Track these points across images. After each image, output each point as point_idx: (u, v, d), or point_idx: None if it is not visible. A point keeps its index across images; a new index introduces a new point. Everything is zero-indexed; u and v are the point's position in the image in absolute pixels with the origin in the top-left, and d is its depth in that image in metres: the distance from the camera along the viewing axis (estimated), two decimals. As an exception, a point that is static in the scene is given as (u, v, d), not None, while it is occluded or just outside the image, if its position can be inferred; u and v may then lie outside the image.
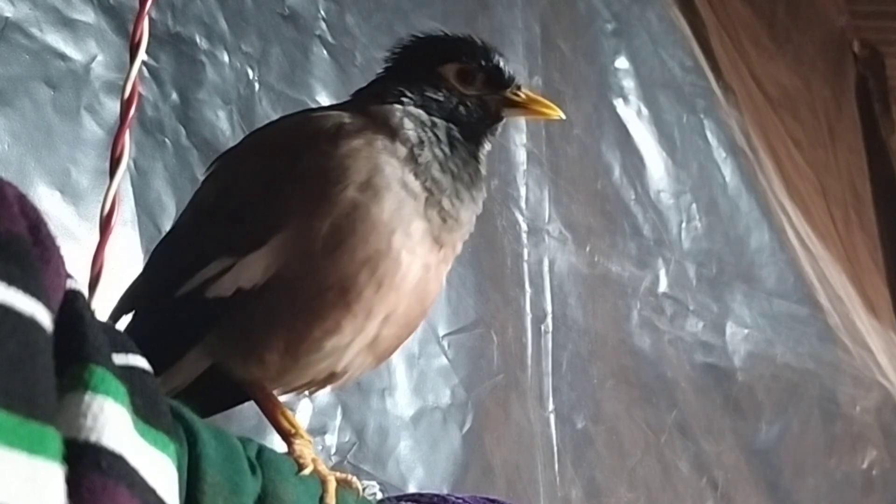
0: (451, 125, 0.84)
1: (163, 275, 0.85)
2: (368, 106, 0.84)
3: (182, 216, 0.90)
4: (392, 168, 0.79)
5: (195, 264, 0.79)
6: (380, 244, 0.76)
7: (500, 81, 0.87)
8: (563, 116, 0.89)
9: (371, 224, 0.76)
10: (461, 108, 0.85)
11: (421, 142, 0.81)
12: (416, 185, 0.79)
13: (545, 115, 0.90)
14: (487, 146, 0.87)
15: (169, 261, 0.86)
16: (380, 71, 0.91)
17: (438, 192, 0.80)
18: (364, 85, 0.92)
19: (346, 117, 0.82)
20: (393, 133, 0.81)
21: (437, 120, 0.83)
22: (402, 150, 0.80)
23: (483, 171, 0.86)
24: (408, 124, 0.82)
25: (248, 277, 0.77)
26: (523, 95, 0.88)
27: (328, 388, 0.89)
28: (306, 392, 0.88)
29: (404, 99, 0.84)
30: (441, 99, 0.85)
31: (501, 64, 0.87)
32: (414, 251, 0.79)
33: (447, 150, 0.82)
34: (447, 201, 0.81)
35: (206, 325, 0.79)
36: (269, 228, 0.77)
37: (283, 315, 0.77)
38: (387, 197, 0.77)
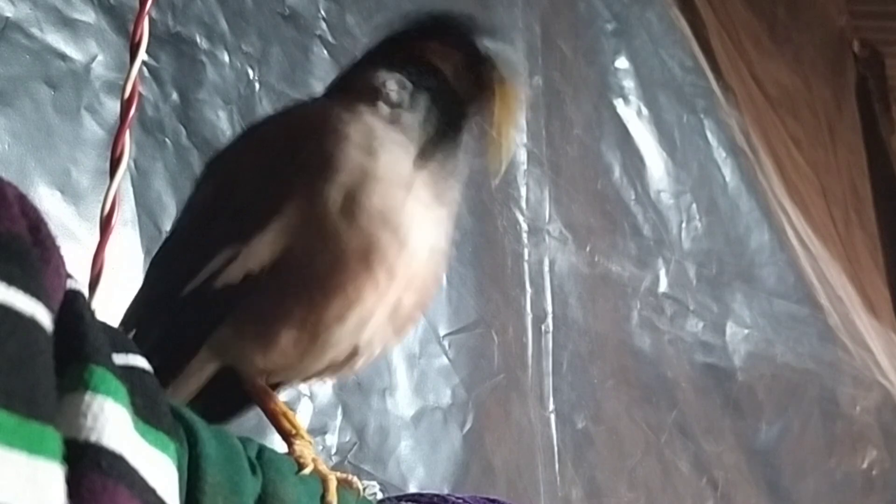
0: (428, 92, 0.83)
1: (166, 278, 0.84)
2: (351, 80, 0.85)
3: (180, 219, 0.90)
4: (382, 129, 0.79)
5: (200, 262, 0.79)
6: (394, 201, 0.76)
7: (478, 68, 0.85)
8: (502, 169, 0.85)
9: (380, 182, 0.76)
10: (436, 86, 0.84)
11: (401, 103, 0.81)
12: (404, 141, 0.79)
13: (496, 142, 0.85)
14: (465, 129, 0.85)
15: (171, 264, 0.85)
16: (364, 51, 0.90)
17: (429, 148, 0.80)
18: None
19: (330, 102, 0.83)
20: (375, 96, 0.81)
21: (414, 87, 0.83)
22: (385, 110, 0.80)
23: (461, 145, 0.84)
24: (391, 86, 0.82)
25: (256, 261, 0.76)
26: (496, 95, 0.84)
27: (330, 387, 0.88)
28: (325, 378, 0.86)
29: (383, 70, 0.84)
30: (419, 74, 0.84)
31: (482, 50, 0.85)
32: (422, 207, 0.78)
33: (425, 113, 0.82)
34: (440, 156, 0.81)
35: (218, 315, 0.78)
36: (272, 209, 0.77)
37: (298, 290, 0.76)
38: (384, 156, 0.77)
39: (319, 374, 0.83)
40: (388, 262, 0.76)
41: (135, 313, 0.84)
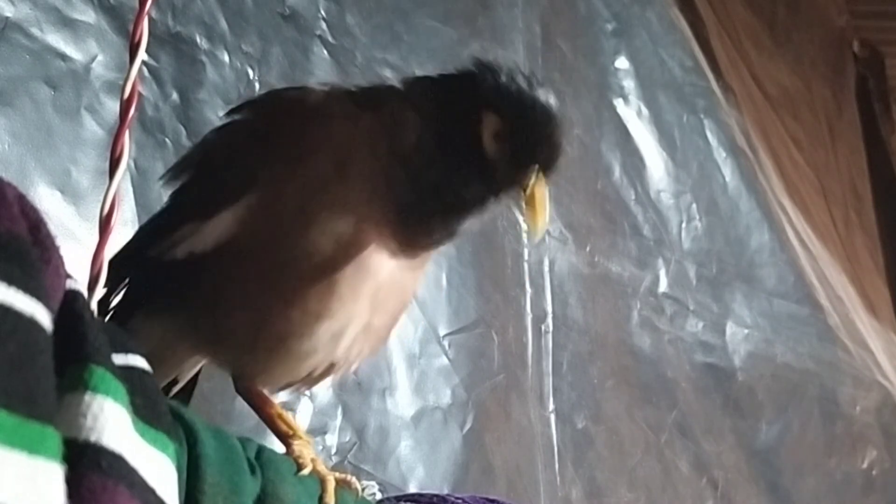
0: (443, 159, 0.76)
1: (138, 242, 0.84)
2: (375, 92, 0.81)
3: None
4: (369, 150, 0.75)
5: (166, 230, 0.79)
6: (350, 225, 0.74)
7: (524, 163, 0.77)
8: (537, 238, 0.83)
9: (341, 203, 0.74)
10: (465, 160, 0.76)
11: (411, 144, 0.75)
12: (392, 174, 0.75)
13: (531, 227, 0.78)
14: (473, 218, 0.79)
15: (146, 228, 0.86)
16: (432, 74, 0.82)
17: (415, 194, 0.75)
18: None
19: (339, 97, 0.80)
20: (384, 121, 0.77)
21: (430, 137, 0.76)
22: (384, 139, 0.76)
23: (463, 222, 0.78)
24: (411, 120, 0.76)
25: (201, 241, 0.75)
26: (530, 193, 0.77)
27: (328, 386, 0.87)
28: (306, 388, 0.86)
29: (408, 105, 0.78)
30: (454, 136, 0.76)
31: (541, 145, 0.77)
32: (389, 240, 0.75)
33: (430, 162, 0.75)
34: (423, 206, 0.76)
35: (156, 287, 0.78)
36: (235, 192, 0.75)
37: (250, 291, 0.74)
38: (359, 179, 0.74)
39: (297, 383, 0.82)
40: (347, 283, 0.74)
41: (112, 271, 0.84)
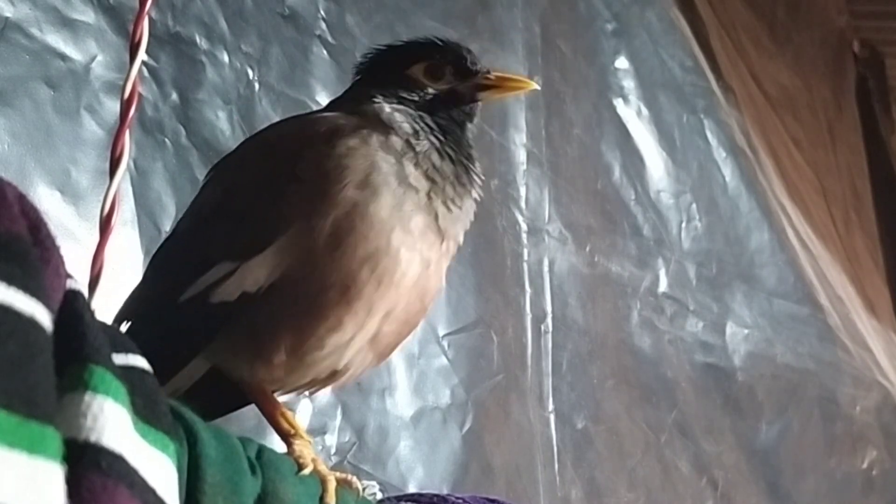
0: (434, 117, 0.86)
1: (165, 280, 0.84)
2: (356, 107, 0.85)
3: (181, 222, 0.90)
4: (389, 164, 0.79)
5: (198, 269, 0.79)
6: (379, 241, 0.77)
7: (467, 70, 0.89)
8: (538, 87, 0.92)
9: (370, 222, 0.77)
10: (437, 102, 0.87)
11: (416, 132, 0.82)
12: (416, 175, 0.80)
13: (519, 89, 0.92)
14: (471, 133, 0.89)
15: (170, 266, 0.86)
16: (350, 83, 0.93)
17: (441, 179, 0.81)
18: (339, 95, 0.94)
19: (340, 119, 0.83)
20: (387, 128, 0.82)
21: (422, 114, 0.85)
22: (399, 143, 0.81)
23: (475, 155, 0.87)
24: (399, 118, 0.83)
25: (252, 281, 0.77)
26: (493, 77, 0.90)
27: (329, 389, 0.89)
28: (307, 392, 0.88)
29: (383, 100, 0.85)
30: (416, 98, 0.87)
31: (465, 53, 0.90)
32: (414, 248, 0.79)
33: (441, 136, 0.84)
34: (450, 188, 0.82)
35: (212, 329, 0.79)
36: (272, 231, 0.77)
37: (289, 315, 0.77)
38: (385, 194, 0.78)
39: (303, 388, 0.85)
40: (365, 299, 0.77)
41: (131, 309, 0.85)
